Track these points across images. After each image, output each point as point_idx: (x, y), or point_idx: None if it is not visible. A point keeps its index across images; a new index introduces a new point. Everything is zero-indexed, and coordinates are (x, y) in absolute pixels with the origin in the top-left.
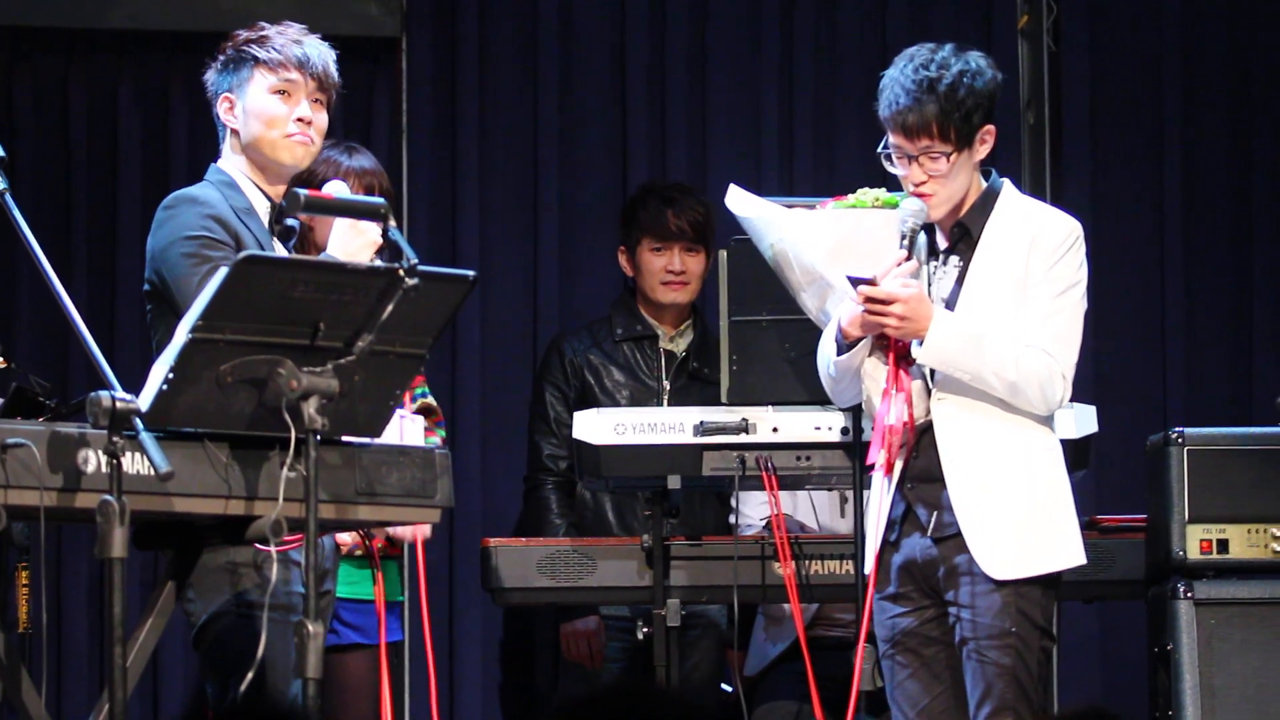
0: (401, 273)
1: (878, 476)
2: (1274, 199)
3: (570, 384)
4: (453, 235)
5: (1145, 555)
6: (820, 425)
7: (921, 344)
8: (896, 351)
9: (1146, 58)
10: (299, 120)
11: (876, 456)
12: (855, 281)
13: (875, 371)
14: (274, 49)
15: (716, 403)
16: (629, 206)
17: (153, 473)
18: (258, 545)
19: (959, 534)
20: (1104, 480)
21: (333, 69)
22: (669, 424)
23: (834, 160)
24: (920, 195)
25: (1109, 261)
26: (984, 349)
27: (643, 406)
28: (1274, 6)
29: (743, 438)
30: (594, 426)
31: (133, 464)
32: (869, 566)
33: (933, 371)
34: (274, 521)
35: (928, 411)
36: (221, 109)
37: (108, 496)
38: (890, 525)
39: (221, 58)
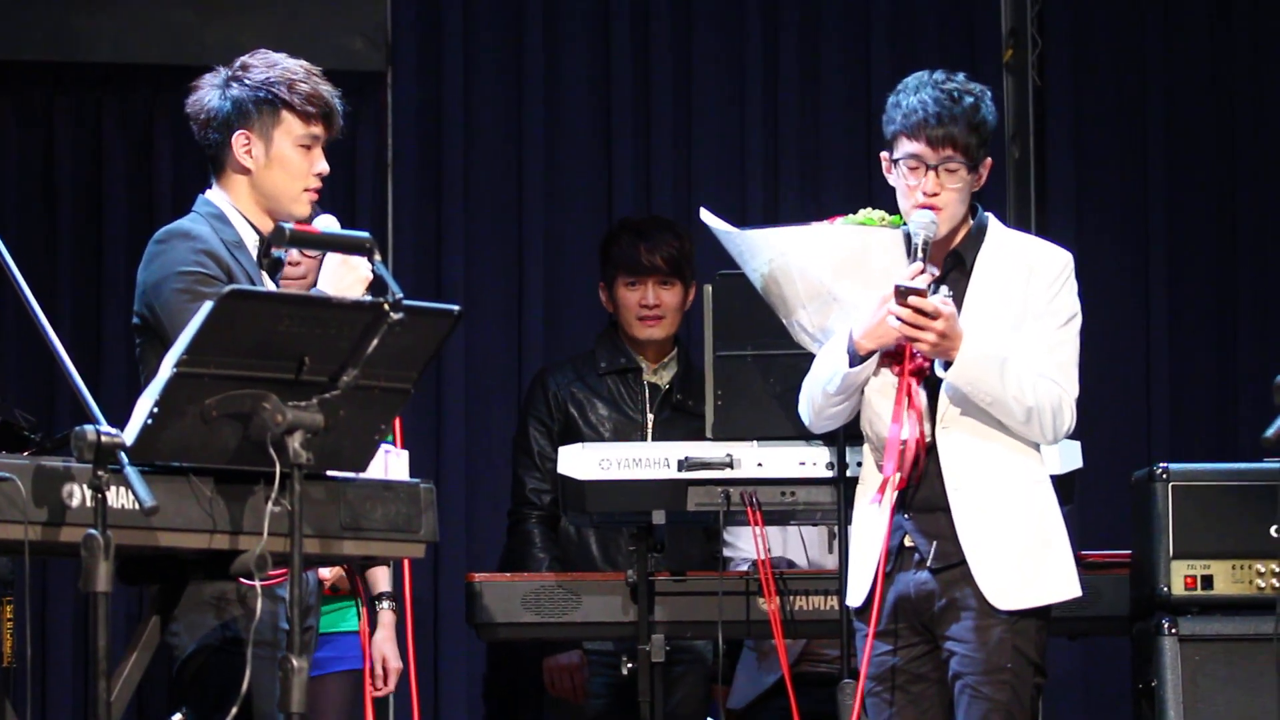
0: (386, 307)
1: (860, 510)
2: (1258, 233)
3: (554, 418)
4: (437, 268)
5: (1130, 591)
6: (805, 460)
7: (948, 365)
8: (909, 367)
9: (1131, 92)
10: (317, 175)
11: (890, 472)
12: (905, 291)
13: (882, 388)
14: (304, 97)
15: (701, 435)
16: (604, 242)
17: (137, 507)
18: (242, 580)
19: (960, 564)
20: (1088, 516)
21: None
22: (653, 459)
23: (820, 190)
24: (930, 207)
25: (1093, 295)
26: (1006, 374)
27: (627, 439)
28: (1256, 40)
29: (727, 473)
30: (578, 462)
31: (117, 498)
32: (858, 600)
33: (935, 399)
34: (258, 556)
35: (931, 433)
36: (237, 146)
37: (92, 530)
38: (885, 556)
39: (237, 88)
